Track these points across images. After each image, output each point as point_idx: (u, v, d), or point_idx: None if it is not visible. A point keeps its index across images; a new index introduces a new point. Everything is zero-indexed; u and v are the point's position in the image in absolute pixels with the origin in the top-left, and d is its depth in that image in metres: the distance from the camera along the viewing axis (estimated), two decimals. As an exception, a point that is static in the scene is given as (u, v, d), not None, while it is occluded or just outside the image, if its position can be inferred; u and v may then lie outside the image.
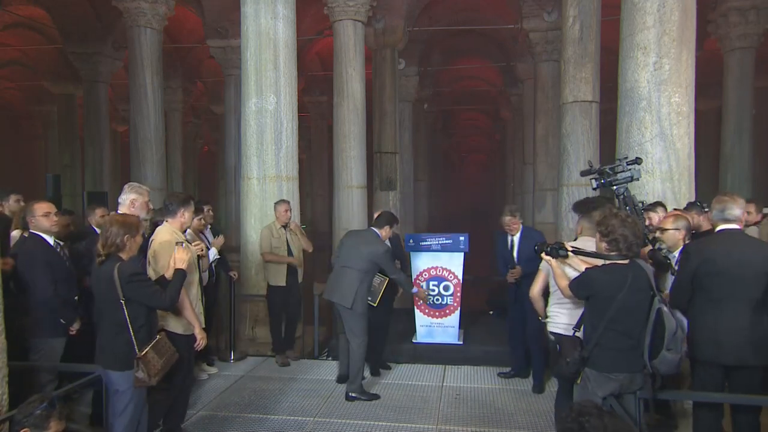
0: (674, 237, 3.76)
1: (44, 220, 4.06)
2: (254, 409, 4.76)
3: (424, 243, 6.59)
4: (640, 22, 4.67)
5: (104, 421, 3.52)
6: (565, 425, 1.92)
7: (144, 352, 3.19)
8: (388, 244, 5.81)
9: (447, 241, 6.52)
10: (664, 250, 3.76)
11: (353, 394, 4.93)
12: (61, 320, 4.10)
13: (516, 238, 5.33)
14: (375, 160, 11.78)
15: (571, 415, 1.94)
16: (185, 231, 4.12)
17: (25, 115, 22.35)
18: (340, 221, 9.61)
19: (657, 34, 4.61)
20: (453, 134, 32.46)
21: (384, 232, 5.14)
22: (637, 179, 3.90)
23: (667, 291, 3.72)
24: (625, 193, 3.86)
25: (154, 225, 4.13)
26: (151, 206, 4.38)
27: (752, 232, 4.82)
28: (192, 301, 3.81)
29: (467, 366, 5.83)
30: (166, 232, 3.79)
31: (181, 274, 3.44)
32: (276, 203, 6.03)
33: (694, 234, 4.06)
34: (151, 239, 3.82)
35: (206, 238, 5.58)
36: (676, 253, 3.74)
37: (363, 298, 4.96)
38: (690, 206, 4.36)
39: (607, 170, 3.90)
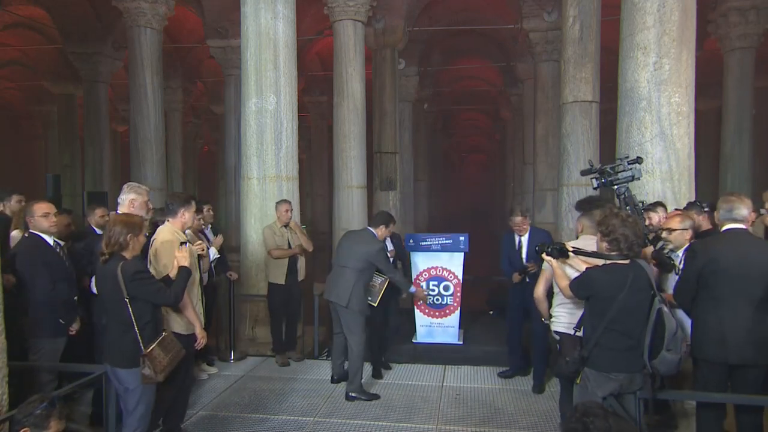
0: (682, 237, 3.75)
1: (43, 221, 4.06)
2: (254, 409, 4.76)
3: (424, 243, 6.60)
4: (640, 22, 4.67)
5: (104, 421, 3.52)
6: (570, 425, 1.92)
7: (150, 349, 3.23)
8: (389, 244, 5.82)
9: (447, 241, 6.53)
10: (667, 251, 3.76)
11: (353, 394, 4.94)
12: (61, 320, 4.10)
13: (524, 239, 5.32)
14: (375, 160, 11.78)
15: (575, 415, 1.93)
16: (185, 231, 4.12)
17: (25, 115, 22.34)
18: (340, 221, 9.60)
19: (657, 34, 4.61)
20: (453, 134, 32.46)
21: (380, 232, 5.18)
22: (638, 178, 3.90)
23: (670, 291, 3.72)
24: (626, 193, 3.85)
25: (155, 225, 4.13)
26: (151, 206, 4.38)
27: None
28: (192, 301, 3.81)
29: (467, 366, 5.83)
30: (167, 232, 3.80)
31: (185, 272, 3.49)
32: (277, 203, 6.05)
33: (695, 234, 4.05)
34: (152, 239, 3.82)
35: (207, 238, 5.58)
36: (680, 253, 3.74)
37: (359, 297, 4.98)
38: (690, 206, 4.36)
39: (608, 169, 3.90)
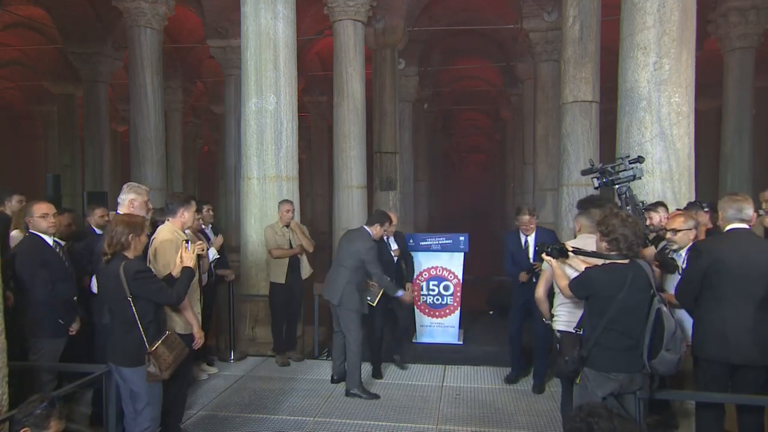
0: (687, 237, 3.74)
1: (42, 222, 4.05)
2: (254, 409, 4.76)
3: (424, 243, 6.60)
4: (640, 22, 4.67)
5: (104, 421, 3.52)
6: (574, 425, 1.91)
7: (155, 347, 3.26)
8: (393, 243, 5.80)
9: (447, 241, 6.53)
10: (670, 251, 3.75)
11: (353, 391, 4.97)
12: (60, 320, 4.09)
13: (531, 238, 5.30)
14: (375, 160, 11.78)
15: (580, 415, 1.92)
16: (185, 231, 4.13)
17: (25, 115, 22.35)
18: (340, 221, 9.60)
19: (657, 34, 4.61)
20: (453, 134, 32.48)
21: (375, 230, 5.20)
22: (640, 178, 3.90)
23: (671, 291, 3.71)
24: (627, 192, 3.85)
25: (154, 225, 4.13)
26: (151, 206, 4.38)
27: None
28: (191, 301, 3.82)
29: (467, 366, 5.83)
30: (167, 231, 3.81)
31: (189, 272, 3.50)
32: (280, 203, 6.08)
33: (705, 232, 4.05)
34: (152, 238, 3.83)
35: (208, 237, 5.58)
36: (682, 253, 3.73)
37: (351, 295, 5.01)
38: (690, 206, 4.36)
39: (609, 169, 3.90)
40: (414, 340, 6.57)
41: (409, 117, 15.88)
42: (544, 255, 3.47)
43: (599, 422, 1.86)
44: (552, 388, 5.09)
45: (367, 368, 5.50)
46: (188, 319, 3.79)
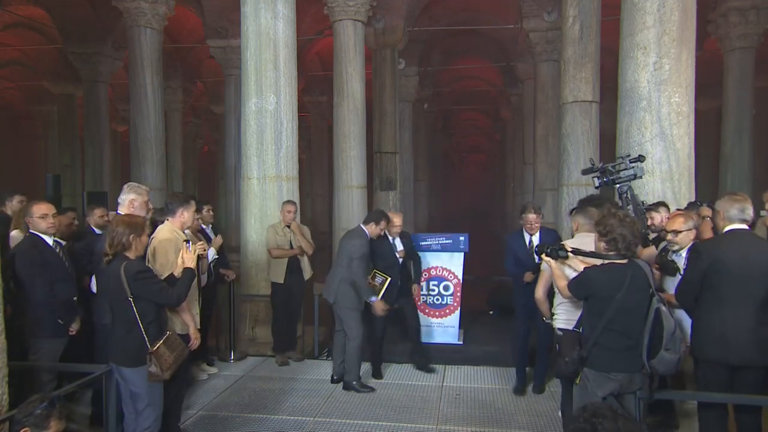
0: (688, 238, 3.73)
1: (41, 222, 4.05)
2: (254, 409, 4.76)
3: (424, 243, 6.60)
4: (640, 22, 4.67)
5: (104, 421, 3.52)
6: (578, 425, 1.89)
7: (156, 347, 3.26)
8: (399, 244, 5.78)
9: (447, 241, 6.53)
10: (670, 252, 3.75)
11: (349, 381, 5.08)
12: (60, 321, 4.09)
13: (535, 238, 5.26)
14: (375, 160, 11.78)
15: (583, 415, 1.90)
16: (184, 231, 4.13)
17: (25, 115, 22.35)
18: (340, 221, 9.60)
19: (657, 34, 4.61)
20: (453, 134, 32.46)
21: (370, 229, 5.22)
22: (641, 177, 3.89)
23: (670, 291, 3.71)
24: (628, 192, 3.84)
25: (154, 225, 4.13)
26: (151, 206, 4.39)
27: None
28: (190, 302, 3.82)
29: (467, 366, 5.82)
30: (166, 231, 3.81)
31: (190, 273, 3.51)
32: (283, 203, 6.11)
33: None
34: (151, 237, 3.83)
35: (208, 237, 5.58)
36: (683, 253, 3.72)
37: (346, 293, 5.04)
38: (690, 206, 4.36)
39: (610, 168, 3.89)
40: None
41: (409, 117, 15.88)
42: (543, 255, 3.47)
43: (603, 423, 1.84)
44: (552, 388, 5.09)
45: (367, 368, 5.50)
46: (185, 320, 3.80)
